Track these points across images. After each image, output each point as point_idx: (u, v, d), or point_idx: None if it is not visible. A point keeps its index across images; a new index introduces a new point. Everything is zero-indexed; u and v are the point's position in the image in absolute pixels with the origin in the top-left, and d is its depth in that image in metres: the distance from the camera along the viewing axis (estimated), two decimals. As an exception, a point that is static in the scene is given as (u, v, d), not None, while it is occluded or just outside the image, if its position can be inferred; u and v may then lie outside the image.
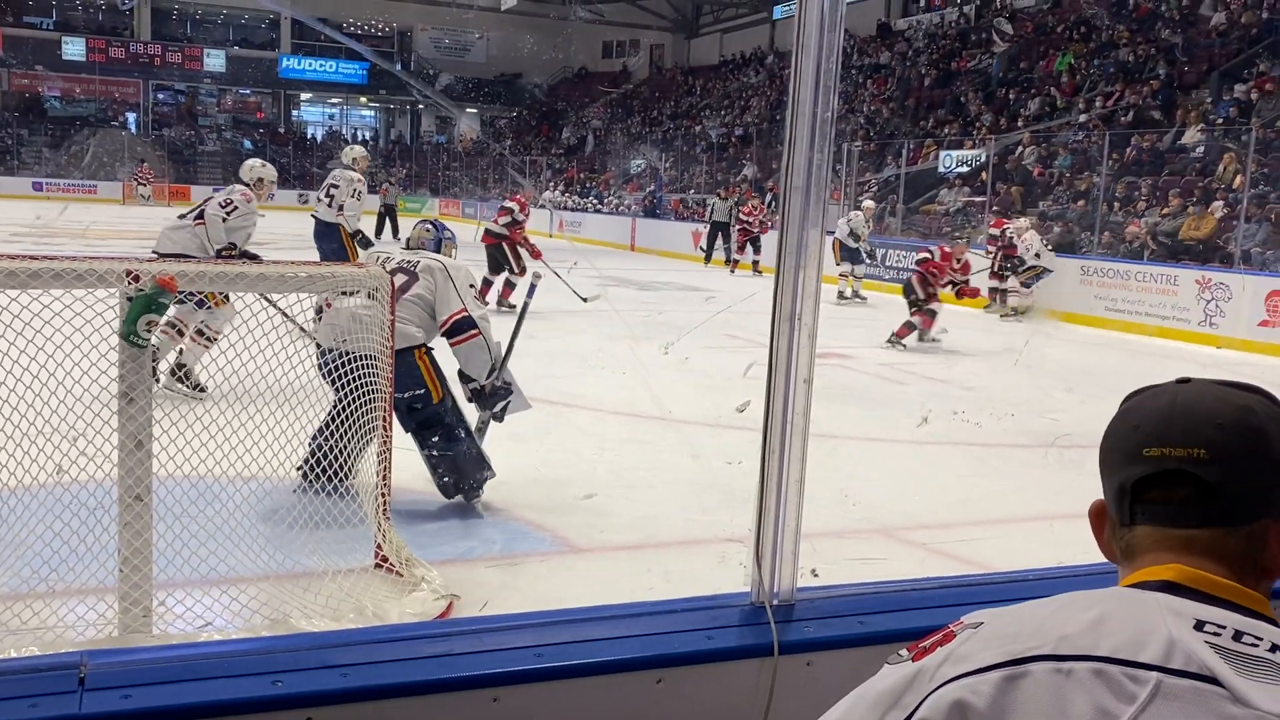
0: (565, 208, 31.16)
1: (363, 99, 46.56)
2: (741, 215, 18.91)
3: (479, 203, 35.28)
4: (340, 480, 3.65)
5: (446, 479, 4.53)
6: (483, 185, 37.40)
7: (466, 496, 4.59)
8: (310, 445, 3.65)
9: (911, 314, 10.72)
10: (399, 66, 42.95)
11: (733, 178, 26.93)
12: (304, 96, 45.99)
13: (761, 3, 36.32)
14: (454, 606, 3.41)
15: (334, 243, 9.90)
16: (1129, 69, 19.63)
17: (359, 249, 9.67)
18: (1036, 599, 0.96)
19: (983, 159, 19.35)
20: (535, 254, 12.04)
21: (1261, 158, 14.44)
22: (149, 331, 2.82)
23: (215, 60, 42.55)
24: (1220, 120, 16.34)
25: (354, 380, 3.61)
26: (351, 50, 42.34)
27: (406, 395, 4.27)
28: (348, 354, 3.67)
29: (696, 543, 4.34)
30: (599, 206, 30.65)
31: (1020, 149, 19.42)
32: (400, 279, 4.45)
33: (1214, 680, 0.82)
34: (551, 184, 34.62)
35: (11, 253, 2.89)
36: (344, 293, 3.95)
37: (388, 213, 23.80)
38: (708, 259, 20.22)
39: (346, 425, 3.60)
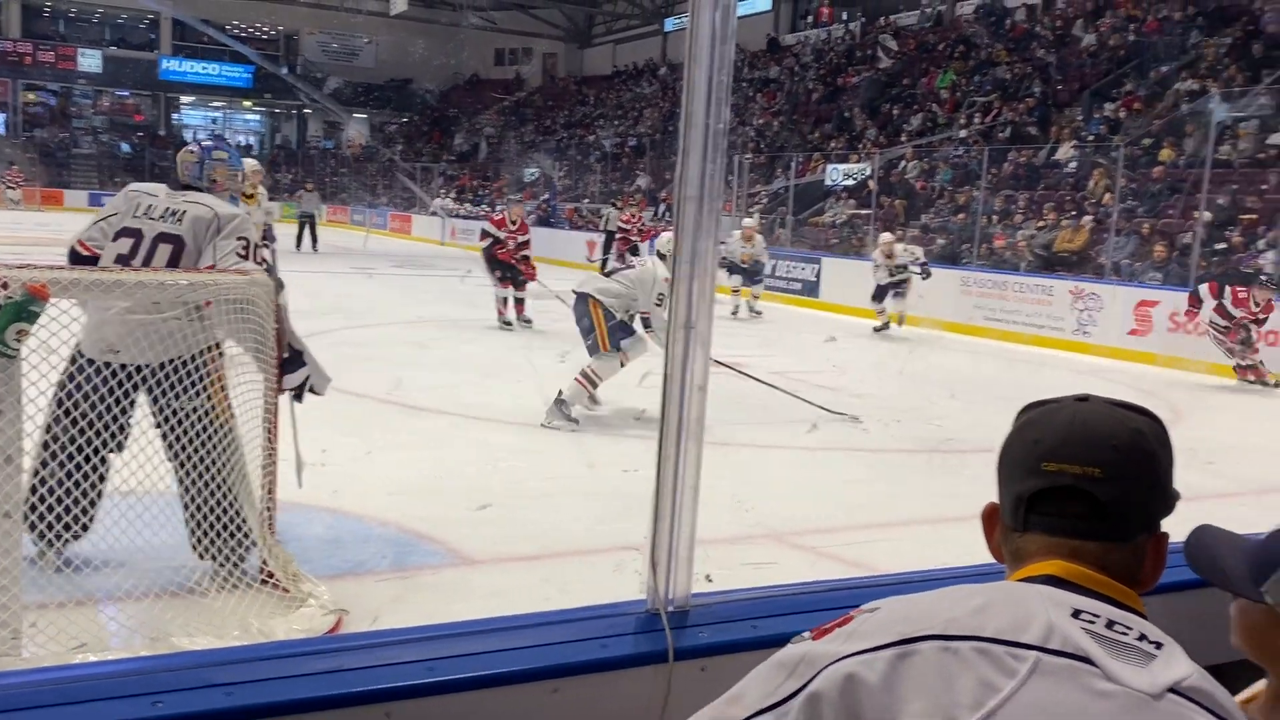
0: (458, 215, 30.87)
1: (247, 102, 45.38)
2: (621, 222, 18.58)
3: (368, 209, 34.77)
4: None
5: (215, 534, 3.48)
6: (372, 192, 36.83)
7: (227, 558, 3.52)
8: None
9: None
10: (285, 70, 41.95)
11: (626, 187, 27.06)
12: (185, 99, 44.60)
13: (653, 15, 36.65)
14: (343, 622, 3.34)
15: None
16: (1006, 87, 20.38)
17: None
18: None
19: (868, 173, 19.84)
20: (529, 274, 11.13)
21: (1130, 173, 15.14)
22: (19, 341, 2.70)
23: (90, 60, 40.89)
24: (1091, 137, 17.08)
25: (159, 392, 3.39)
26: (235, 53, 41.19)
27: (191, 413, 3.48)
28: (134, 367, 3.39)
29: (592, 552, 4.33)
30: (493, 214, 30.44)
31: (903, 163, 19.98)
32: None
33: (1088, 660, 0.89)
34: (443, 191, 34.27)
35: None
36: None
37: (307, 222, 22.84)
38: (603, 268, 20.24)
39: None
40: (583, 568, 4.17)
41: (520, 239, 11.66)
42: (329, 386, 3.88)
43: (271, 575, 3.46)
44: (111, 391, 3.35)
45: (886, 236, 14.02)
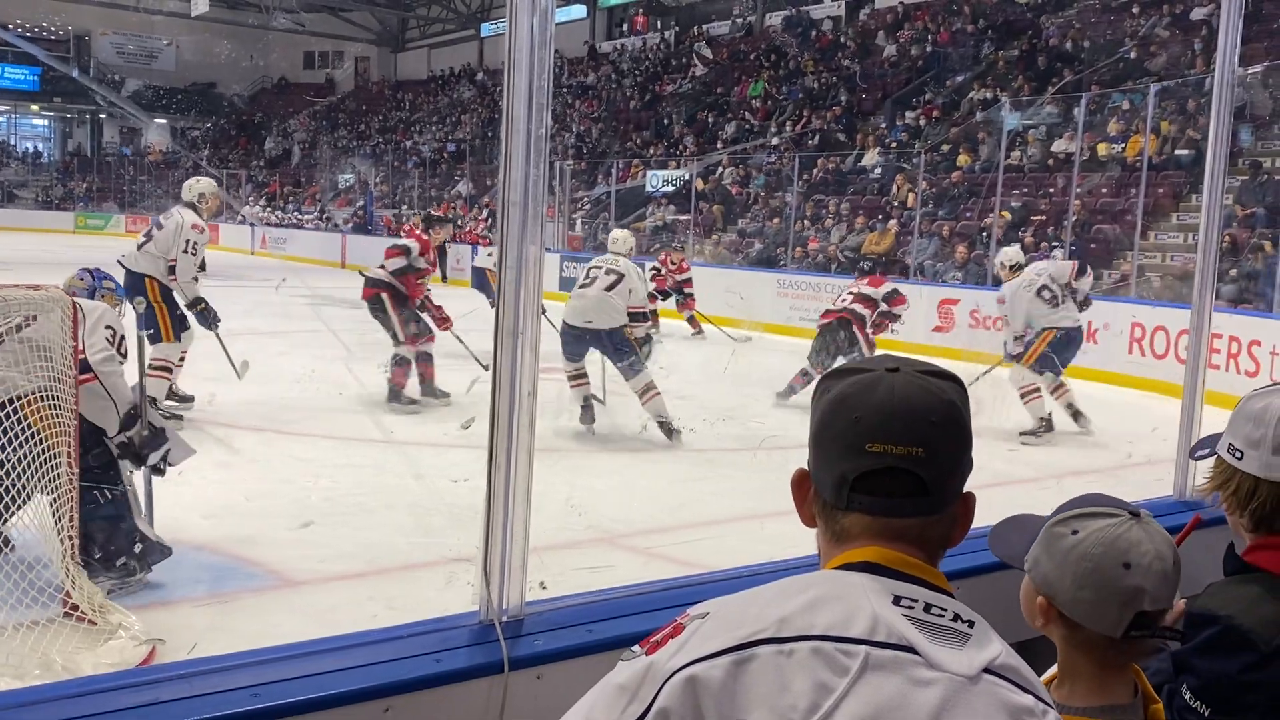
0: (269, 223, 29.78)
1: (34, 106, 42.49)
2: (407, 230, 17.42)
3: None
4: None
5: (94, 553, 3.68)
6: (176, 199, 35.13)
7: (117, 576, 3.75)
8: None
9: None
10: (76, 71, 39.48)
11: (446, 193, 26.72)
12: (-38, 102, 41.46)
13: (469, 19, 36.31)
14: (157, 653, 3.17)
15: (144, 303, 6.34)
16: (814, 95, 21.16)
17: (189, 322, 7.18)
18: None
19: (686, 178, 20.23)
20: (441, 323, 8.28)
21: (930, 178, 15.96)
22: None
23: None
24: (894, 144, 17.92)
25: None
26: (19, 53, 38.48)
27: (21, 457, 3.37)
28: None
29: (421, 566, 4.25)
30: (303, 222, 29.49)
31: (720, 169, 20.47)
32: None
33: (911, 649, 0.94)
34: (252, 198, 33.01)
35: None
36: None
37: None
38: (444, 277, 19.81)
39: None
40: (412, 583, 4.09)
41: (679, 278, 13.51)
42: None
43: (76, 607, 3.25)
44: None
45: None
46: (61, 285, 4.25)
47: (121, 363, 3.95)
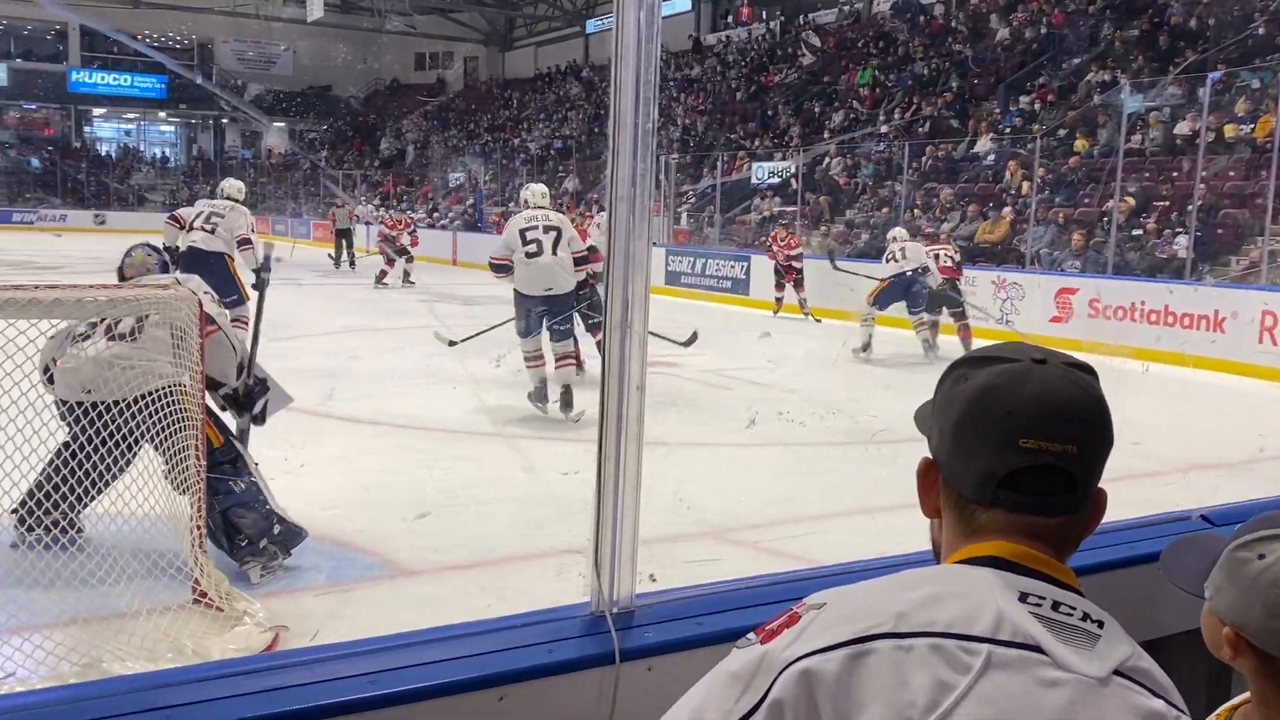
0: (383, 223, 30.47)
1: (161, 113, 44.36)
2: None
3: (291, 219, 34.21)
4: (74, 530, 3.51)
5: (239, 540, 3.86)
6: (295, 200, 36.25)
7: (263, 561, 3.90)
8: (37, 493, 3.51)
9: None
10: (201, 78, 41.09)
11: (554, 190, 26.99)
12: (97, 111, 43.46)
13: (575, 16, 36.60)
14: (280, 639, 3.28)
15: (219, 277, 7.99)
16: (925, 81, 20.72)
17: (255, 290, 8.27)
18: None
19: (792, 170, 20.04)
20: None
21: (1046, 163, 15.49)
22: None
23: (-6, 73, 39.69)
24: (1008, 129, 17.44)
25: (118, 428, 3.48)
26: (149, 63, 40.22)
27: (173, 441, 3.66)
28: (102, 405, 3.55)
29: (533, 557, 4.31)
30: (417, 220, 30.14)
31: (827, 160, 20.21)
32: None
33: (1037, 648, 0.90)
34: (365, 197, 33.85)
35: None
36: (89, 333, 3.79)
37: (343, 237, 22.26)
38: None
39: (100, 477, 3.45)
40: (523, 574, 4.14)
41: (789, 253, 14.50)
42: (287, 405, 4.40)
43: (204, 595, 3.38)
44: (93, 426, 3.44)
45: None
46: (132, 259, 4.51)
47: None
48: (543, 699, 1.52)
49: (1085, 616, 0.95)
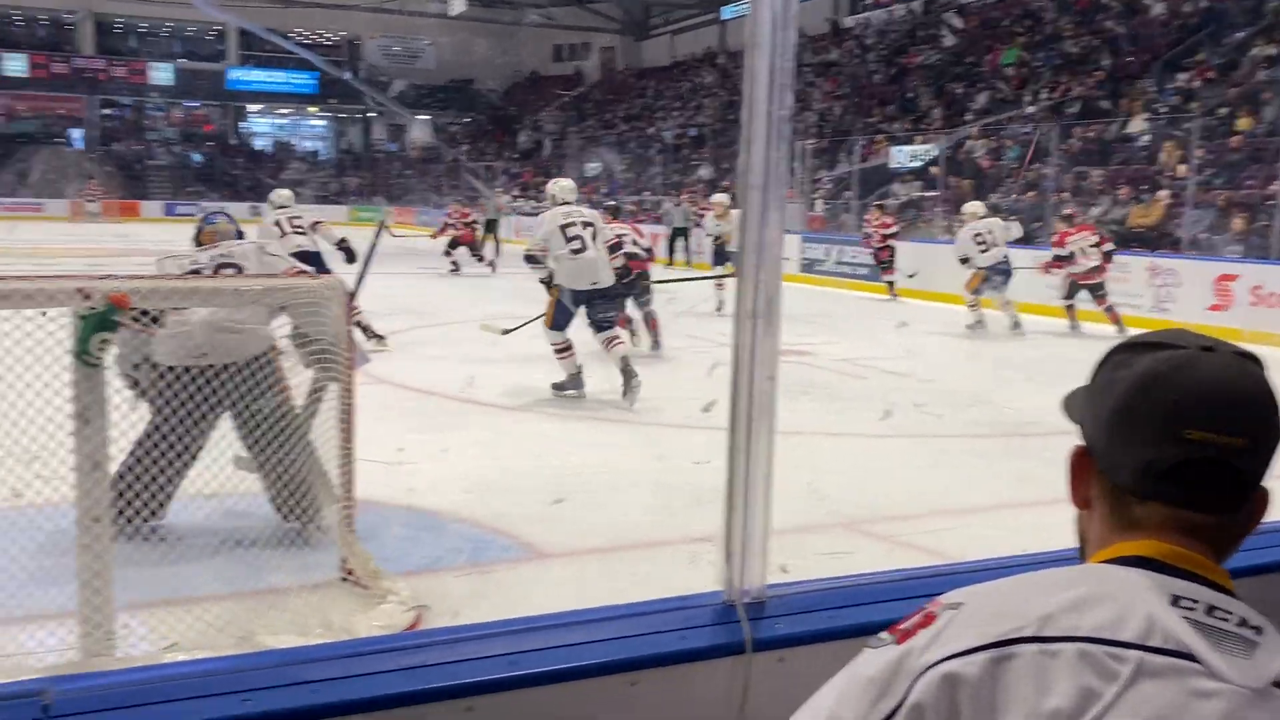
0: (521, 213, 31.06)
1: (312, 109, 46.11)
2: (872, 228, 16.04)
3: (434, 210, 35.13)
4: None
5: (296, 499, 3.85)
6: (437, 192, 37.22)
7: (309, 518, 3.92)
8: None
9: None
10: (349, 75, 42.56)
11: (687, 178, 27.00)
12: (252, 108, 45.47)
13: (710, 3, 36.45)
14: (423, 618, 3.39)
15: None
16: (1074, 60, 19.91)
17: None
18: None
19: (933, 153, 19.54)
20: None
21: (1206, 144, 14.70)
22: (102, 350, 2.78)
23: (162, 73, 41.90)
24: (1165, 109, 16.62)
25: (232, 391, 3.63)
26: (301, 59, 41.88)
27: (271, 402, 3.91)
28: (211, 369, 3.67)
29: (665, 544, 4.34)
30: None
31: (970, 143, 19.64)
32: (229, 274, 4.20)
33: (1190, 656, 0.85)
34: (503, 189, 34.51)
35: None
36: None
37: (490, 229, 21.98)
38: (670, 262, 20.22)
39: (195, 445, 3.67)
40: (656, 560, 4.18)
41: (885, 233, 15.24)
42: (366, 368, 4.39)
43: (352, 572, 3.52)
44: (200, 392, 3.56)
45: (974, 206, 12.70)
46: (215, 226, 4.56)
47: None
48: (673, 686, 1.53)
49: (1242, 622, 0.89)
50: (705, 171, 26.91)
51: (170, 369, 3.73)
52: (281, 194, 9.85)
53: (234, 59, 43.13)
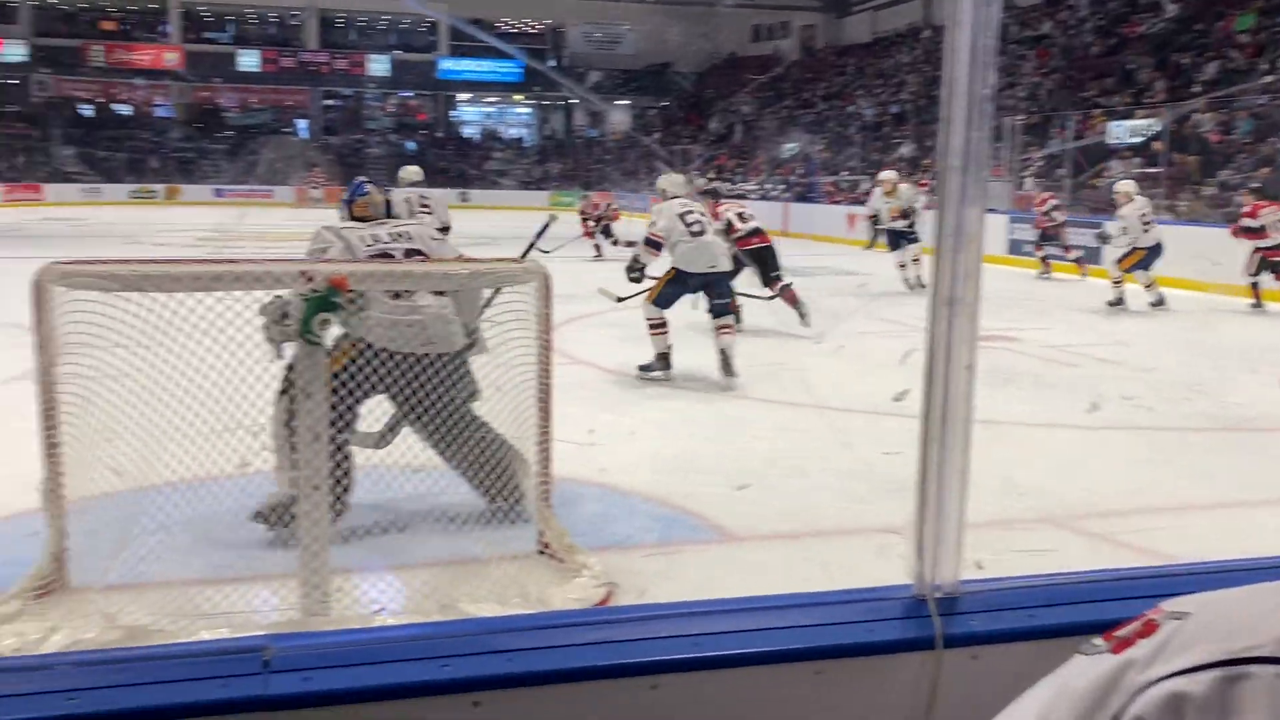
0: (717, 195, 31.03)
1: (518, 96, 47.50)
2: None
3: (630, 194, 35.61)
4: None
5: (498, 485, 3.94)
6: (633, 177, 37.70)
7: (516, 503, 3.97)
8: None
9: None
10: (552, 63, 43.61)
11: (887, 157, 26.35)
12: (462, 97, 47.25)
13: (915, -23, 35.39)
14: (613, 594, 3.46)
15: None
16: (1320, 25, 18.29)
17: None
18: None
19: (1155, 129, 18.35)
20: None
21: None
22: (324, 329, 2.95)
23: (379, 65, 44.17)
24: None
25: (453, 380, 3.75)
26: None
27: (464, 393, 3.96)
28: (439, 358, 3.79)
29: (854, 532, 4.27)
30: (748, 192, 30.46)
31: (1196, 116, 18.34)
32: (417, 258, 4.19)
33: None
34: (697, 171, 34.56)
35: (196, 257, 3.08)
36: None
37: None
38: (871, 245, 19.61)
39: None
40: (843, 548, 4.12)
41: (1041, 211, 15.19)
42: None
43: (548, 546, 3.63)
44: (417, 377, 3.70)
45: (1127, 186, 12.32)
46: (369, 196, 4.49)
47: None
48: (859, 678, 1.51)
49: None
50: (907, 150, 26.19)
51: (385, 352, 3.77)
52: (411, 171, 9.93)
53: (445, 50, 44.90)
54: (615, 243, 17.29)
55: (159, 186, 37.62)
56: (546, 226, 5.86)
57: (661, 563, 3.89)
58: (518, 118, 48.75)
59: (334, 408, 3.46)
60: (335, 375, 3.60)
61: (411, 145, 43.99)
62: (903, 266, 13.16)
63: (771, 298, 9.49)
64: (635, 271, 7.49)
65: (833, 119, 32.18)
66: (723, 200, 10.54)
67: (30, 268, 3.05)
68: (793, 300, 9.45)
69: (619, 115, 45.16)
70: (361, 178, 4.85)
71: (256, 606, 3.14)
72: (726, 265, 7.44)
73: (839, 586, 1.73)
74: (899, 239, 13.30)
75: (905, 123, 28.29)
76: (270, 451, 3.79)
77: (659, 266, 7.55)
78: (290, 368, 3.58)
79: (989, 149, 1.55)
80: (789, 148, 32.38)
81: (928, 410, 1.57)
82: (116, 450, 3.11)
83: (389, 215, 4.55)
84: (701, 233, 7.31)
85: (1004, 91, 23.49)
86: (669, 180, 7.91)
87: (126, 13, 42.35)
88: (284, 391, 3.63)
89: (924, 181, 18.81)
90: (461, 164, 41.98)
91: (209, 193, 36.69)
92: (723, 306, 7.32)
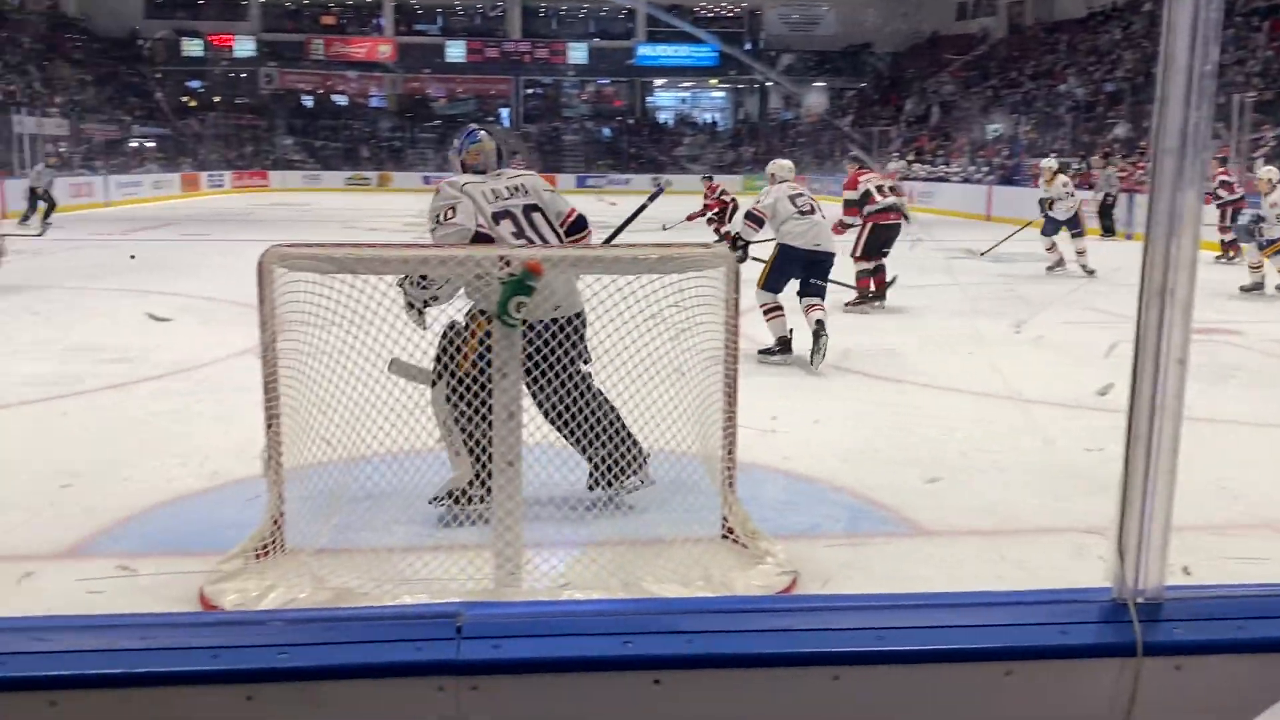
0: (915, 178, 30.22)
1: (713, 81, 47.51)
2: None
3: (825, 177, 35.09)
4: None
5: (619, 459, 3.96)
6: (830, 158, 37.09)
7: (626, 480, 4.02)
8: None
9: None
10: (748, 47, 43.38)
11: (1100, 139, 24.97)
12: (657, 83, 47.65)
13: (1133, -52, 33.28)
14: (796, 583, 3.44)
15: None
16: None
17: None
18: None
19: None
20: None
21: None
22: (519, 312, 3.05)
23: (578, 53, 45.12)
24: None
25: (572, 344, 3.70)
26: (705, 32, 43.28)
27: (582, 357, 3.91)
28: (564, 319, 3.71)
29: (1050, 531, 4.10)
30: (949, 175, 29.47)
31: None
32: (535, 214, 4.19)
33: None
34: (896, 154, 33.66)
35: (403, 242, 3.24)
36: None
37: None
38: (1103, 233, 18.58)
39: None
40: (1038, 547, 3.95)
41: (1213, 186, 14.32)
42: None
43: (732, 530, 3.64)
44: (560, 344, 3.65)
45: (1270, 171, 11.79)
46: (480, 144, 4.39)
47: None
48: (1052, 682, 1.46)
49: None
50: (1121, 130, 24.74)
51: (550, 322, 3.72)
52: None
53: (642, 36, 45.37)
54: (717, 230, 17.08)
55: (372, 174, 39.59)
56: (659, 191, 5.95)
57: (847, 553, 3.84)
58: (712, 102, 48.76)
59: (476, 380, 3.53)
60: (482, 343, 3.61)
61: (607, 132, 44.70)
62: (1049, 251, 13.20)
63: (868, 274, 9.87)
64: (738, 250, 7.40)
65: (1040, 99, 30.72)
66: (866, 170, 10.53)
67: (257, 251, 3.28)
68: (882, 284, 9.90)
69: (815, 98, 44.52)
70: (473, 125, 4.89)
71: (453, 575, 3.29)
72: (831, 248, 7.44)
73: (1033, 587, 1.67)
74: (1060, 226, 13.09)
75: (1120, 102, 26.72)
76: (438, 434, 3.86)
77: (762, 250, 7.59)
78: (442, 350, 3.72)
79: (1209, 129, 1.45)
80: (993, 129, 31.15)
81: (1134, 406, 1.49)
82: (329, 422, 3.32)
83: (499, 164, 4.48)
84: (811, 211, 7.39)
85: (1234, 67, 21.86)
86: (778, 165, 8.04)
87: (345, 7, 44.74)
88: (439, 375, 3.74)
89: (1140, 164, 17.80)
90: (653, 149, 42.35)
91: (418, 180, 38.36)
92: (818, 288, 7.32)
